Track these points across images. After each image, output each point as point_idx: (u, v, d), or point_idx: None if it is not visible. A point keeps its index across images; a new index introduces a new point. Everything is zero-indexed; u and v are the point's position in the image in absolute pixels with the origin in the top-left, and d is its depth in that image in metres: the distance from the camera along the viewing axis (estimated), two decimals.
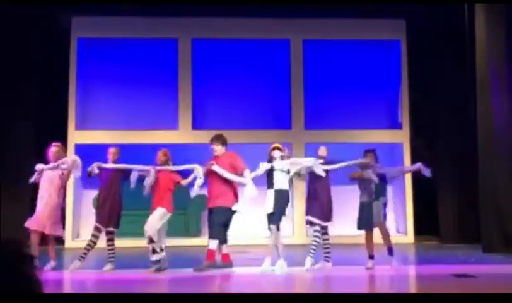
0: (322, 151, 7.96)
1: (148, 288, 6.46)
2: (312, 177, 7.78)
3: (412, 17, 12.58)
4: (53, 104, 11.95)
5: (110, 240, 7.74)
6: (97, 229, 7.70)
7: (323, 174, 7.57)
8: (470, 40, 10.45)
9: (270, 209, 7.45)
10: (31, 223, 7.43)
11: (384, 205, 7.66)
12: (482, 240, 9.74)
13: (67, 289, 6.45)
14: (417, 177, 9.27)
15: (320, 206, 7.70)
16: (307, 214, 7.82)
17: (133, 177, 7.65)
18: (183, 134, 12.29)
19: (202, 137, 11.86)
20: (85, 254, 7.66)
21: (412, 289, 6.54)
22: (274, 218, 7.42)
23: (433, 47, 12.38)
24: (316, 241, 7.67)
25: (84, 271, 7.55)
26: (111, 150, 7.92)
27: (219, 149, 7.83)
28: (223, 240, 7.68)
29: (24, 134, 11.37)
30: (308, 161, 7.72)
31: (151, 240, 7.35)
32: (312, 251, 7.63)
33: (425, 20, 12.38)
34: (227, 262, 7.71)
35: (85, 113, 12.55)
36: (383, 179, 7.74)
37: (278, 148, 7.70)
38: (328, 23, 12.62)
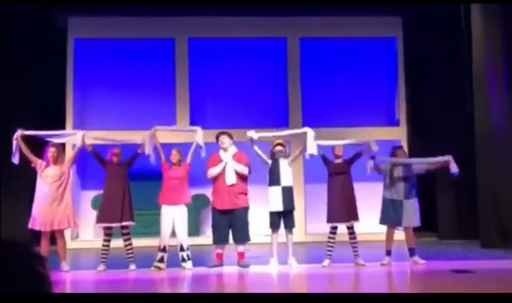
0: (338, 150, 7.83)
1: (148, 288, 6.46)
2: (333, 176, 7.65)
3: (409, 15, 12.60)
4: (51, 104, 11.92)
5: (126, 234, 7.61)
6: (108, 229, 7.60)
7: (314, 152, 7.53)
8: (466, 37, 10.47)
9: (280, 207, 7.35)
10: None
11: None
12: (481, 235, 9.78)
13: (70, 289, 6.45)
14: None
15: (346, 206, 7.55)
16: (333, 219, 7.61)
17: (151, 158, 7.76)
18: (181, 133, 12.23)
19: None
20: (105, 257, 7.58)
21: (411, 285, 6.56)
22: (291, 216, 7.38)
23: (430, 44, 12.39)
24: (331, 242, 7.59)
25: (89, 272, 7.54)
26: (115, 151, 7.90)
27: (228, 142, 7.84)
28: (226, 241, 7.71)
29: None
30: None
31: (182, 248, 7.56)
32: (330, 251, 7.58)
33: (422, 17, 12.40)
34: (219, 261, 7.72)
35: (83, 113, 12.53)
36: (411, 177, 7.61)
37: (280, 144, 7.62)
38: (325, 20, 12.60)
